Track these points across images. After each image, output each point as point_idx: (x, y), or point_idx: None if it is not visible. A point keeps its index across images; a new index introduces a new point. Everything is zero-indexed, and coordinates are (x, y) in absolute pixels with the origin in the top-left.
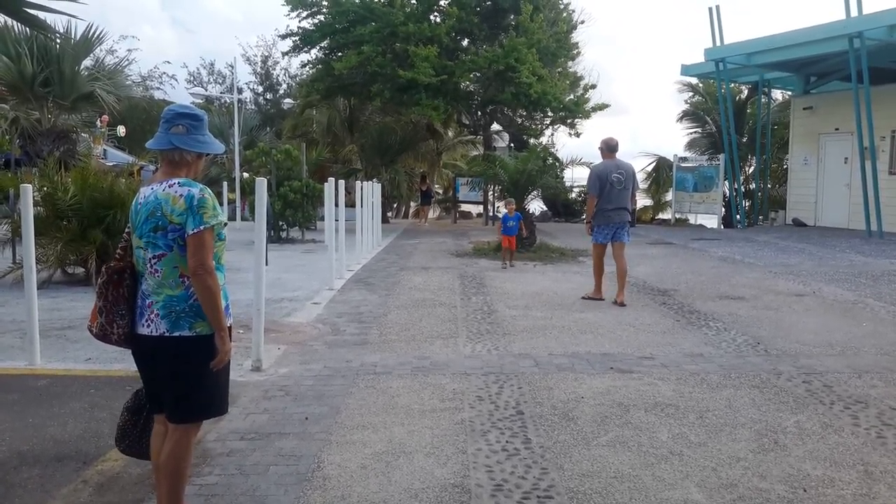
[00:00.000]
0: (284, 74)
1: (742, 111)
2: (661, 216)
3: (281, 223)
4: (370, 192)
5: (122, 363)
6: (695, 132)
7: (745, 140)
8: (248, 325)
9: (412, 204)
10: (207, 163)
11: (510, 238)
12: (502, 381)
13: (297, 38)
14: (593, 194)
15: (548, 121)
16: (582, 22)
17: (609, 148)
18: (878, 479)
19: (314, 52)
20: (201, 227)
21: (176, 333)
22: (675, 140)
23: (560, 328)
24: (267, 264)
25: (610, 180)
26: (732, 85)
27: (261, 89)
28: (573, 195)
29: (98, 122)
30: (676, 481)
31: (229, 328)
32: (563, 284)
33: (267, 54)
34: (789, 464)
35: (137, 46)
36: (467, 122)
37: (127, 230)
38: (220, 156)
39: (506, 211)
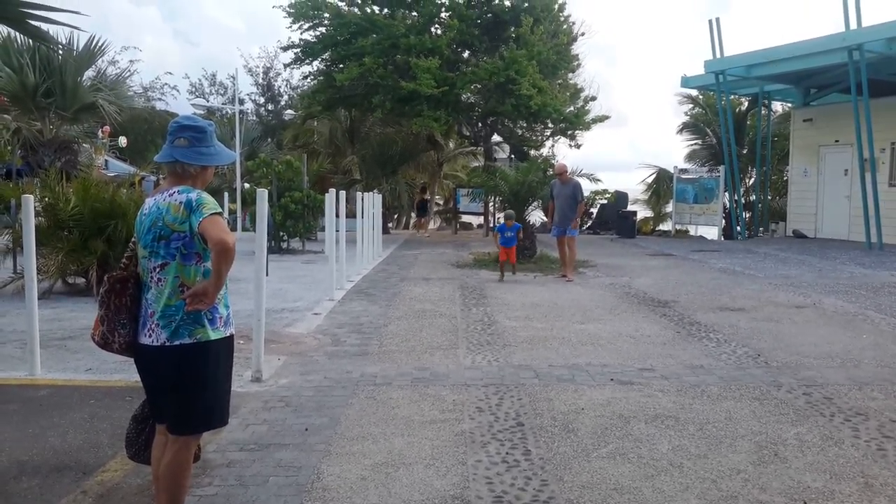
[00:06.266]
0: (286, 85)
1: (742, 123)
2: (661, 227)
3: (282, 234)
4: (371, 202)
5: (122, 374)
6: (695, 144)
7: (745, 152)
8: (248, 335)
9: (412, 215)
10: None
11: (508, 250)
12: (502, 393)
13: (298, 49)
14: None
15: (548, 132)
16: (582, 34)
17: (565, 170)
18: (878, 492)
19: (315, 64)
20: (203, 218)
21: (176, 342)
22: (675, 151)
23: (560, 339)
24: (267, 275)
25: None
26: (732, 97)
27: (262, 100)
28: None
29: (99, 133)
30: (676, 493)
31: (231, 336)
32: (563, 296)
33: (269, 65)
34: (789, 476)
35: (139, 57)
36: (468, 134)
37: (133, 240)
38: (222, 167)
39: (504, 223)
